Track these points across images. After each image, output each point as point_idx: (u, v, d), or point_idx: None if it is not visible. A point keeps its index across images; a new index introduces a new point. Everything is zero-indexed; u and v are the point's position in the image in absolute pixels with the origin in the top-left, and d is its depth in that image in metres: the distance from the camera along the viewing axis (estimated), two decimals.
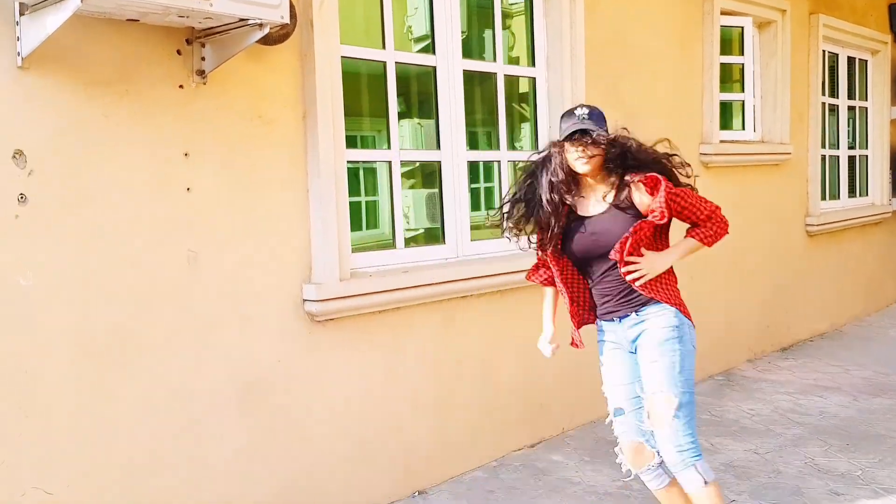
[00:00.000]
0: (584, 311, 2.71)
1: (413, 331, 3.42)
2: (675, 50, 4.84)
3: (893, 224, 7.50)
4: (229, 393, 2.79)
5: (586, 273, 2.67)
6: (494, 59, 3.92)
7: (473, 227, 3.88)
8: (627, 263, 2.50)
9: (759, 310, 5.64)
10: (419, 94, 3.82)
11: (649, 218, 2.49)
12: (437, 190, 3.72)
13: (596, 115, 2.54)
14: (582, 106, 2.58)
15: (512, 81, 4.17)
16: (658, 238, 2.61)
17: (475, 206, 4.27)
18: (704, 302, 5.11)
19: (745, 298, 5.48)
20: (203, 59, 2.63)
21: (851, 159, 7.08)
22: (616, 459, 2.76)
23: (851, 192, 7.09)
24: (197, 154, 2.67)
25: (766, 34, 5.68)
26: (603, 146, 2.50)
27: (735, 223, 5.33)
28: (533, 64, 4.13)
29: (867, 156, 7.26)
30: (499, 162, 4.01)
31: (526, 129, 4.27)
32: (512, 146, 4.20)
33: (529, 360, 3.97)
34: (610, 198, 2.56)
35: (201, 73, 2.63)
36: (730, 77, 5.66)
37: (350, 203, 3.12)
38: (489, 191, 4.20)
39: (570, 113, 2.57)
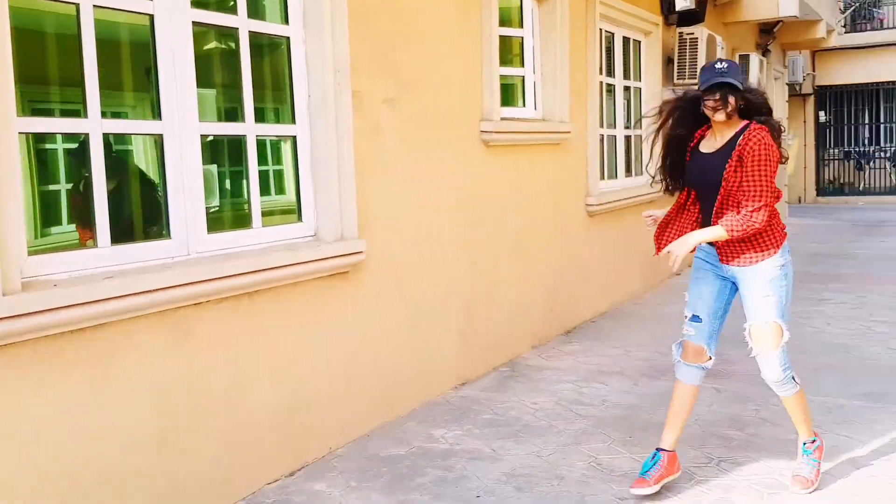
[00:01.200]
0: (666, 241, 3.18)
1: (127, 352, 2.68)
2: (452, 18, 4.42)
3: (668, 202, 7.79)
4: None
5: (705, 211, 3.00)
6: (236, 13, 3.24)
7: (213, 218, 3.19)
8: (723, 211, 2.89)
9: (543, 293, 5.47)
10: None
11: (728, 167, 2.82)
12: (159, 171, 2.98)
13: (734, 69, 2.83)
14: (720, 60, 2.89)
15: (262, 43, 3.50)
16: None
17: (220, 191, 3.56)
18: (489, 289, 4.82)
19: (528, 282, 5.27)
20: None
21: (627, 139, 7.23)
22: (673, 353, 3.17)
23: (628, 172, 7.24)
24: None
25: (545, 7, 5.47)
26: (732, 101, 2.80)
27: (517, 205, 5.18)
28: (286, 21, 3.49)
29: (642, 135, 7.46)
30: (245, 137, 3.34)
31: (281, 97, 3.62)
32: (262, 118, 3.54)
33: (289, 374, 3.37)
34: (725, 139, 2.88)
35: None
36: (510, 52, 5.40)
37: (49, 192, 2.31)
38: (238, 174, 3.50)
39: (709, 67, 2.86)
